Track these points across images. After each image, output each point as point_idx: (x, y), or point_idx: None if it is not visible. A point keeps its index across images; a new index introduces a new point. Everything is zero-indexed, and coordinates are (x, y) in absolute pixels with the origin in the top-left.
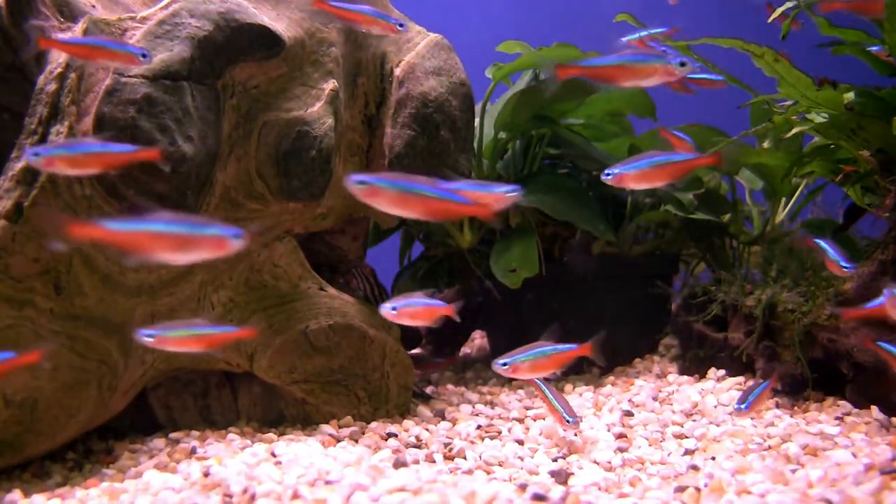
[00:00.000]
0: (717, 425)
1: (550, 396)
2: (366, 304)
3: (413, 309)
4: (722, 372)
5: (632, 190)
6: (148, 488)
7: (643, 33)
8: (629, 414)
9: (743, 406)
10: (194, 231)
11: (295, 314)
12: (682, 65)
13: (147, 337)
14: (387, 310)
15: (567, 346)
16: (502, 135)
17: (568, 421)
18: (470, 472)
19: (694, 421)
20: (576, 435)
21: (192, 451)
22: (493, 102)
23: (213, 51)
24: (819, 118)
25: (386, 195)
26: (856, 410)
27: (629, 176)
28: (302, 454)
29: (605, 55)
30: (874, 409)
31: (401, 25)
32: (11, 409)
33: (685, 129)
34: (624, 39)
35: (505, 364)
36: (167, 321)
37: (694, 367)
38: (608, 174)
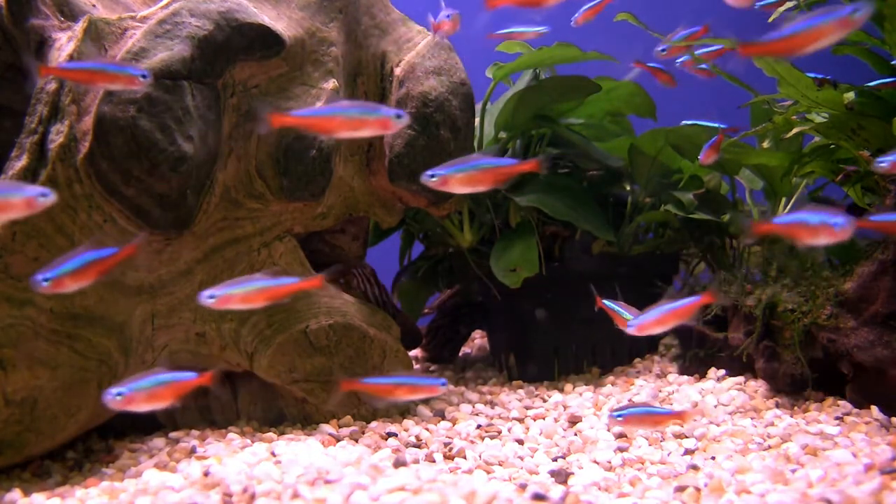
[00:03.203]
0: (717, 425)
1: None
2: (366, 303)
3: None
4: (722, 372)
5: (632, 189)
6: (148, 487)
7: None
8: None
9: (616, 415)
10: None
11: (295, 314)
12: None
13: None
14: None
15: (188, 374)
16: (502, 134)
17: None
18: (470, 471)
19: (694, 421)
20: (575, 435)
21: (192, 451)
22: (493, 102)
23: (214, 50)
24: (819, 118)
25: None
26: (856, 410)
27: (454, 179)
28: (302, 453)
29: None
30: (874, 409)
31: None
32: (11, 409)
33: (685, 129)
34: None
35: (119, 394)
36: (167, 318)
37: (694, 366)
38: (432, 175)
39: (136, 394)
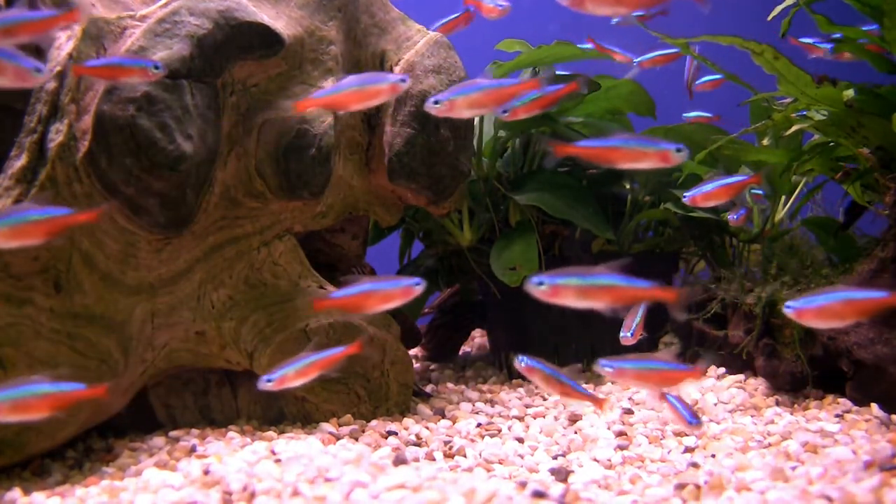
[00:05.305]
0: (717, 423)
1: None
2: None
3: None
4: (722, 370)
5: (631, 188)
6: (148, 486)
7: None
8: (629, 412)
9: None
10: None
11: (295, 312)
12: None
13: None
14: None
15: (72, 385)
16: (502, 133)
17: (690, 423)
18: (470, 469)
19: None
20: (575, 433)
21: (192, 450)
22: None
23: (213, 49)
24: (819, 115)
25: None
26: (856, 408)
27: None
28: (302, 452)
29: None
30: (874, 407)
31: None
32: None
33: (684, 128)
34: None
35: None
36: (167, 316)
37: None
38: None
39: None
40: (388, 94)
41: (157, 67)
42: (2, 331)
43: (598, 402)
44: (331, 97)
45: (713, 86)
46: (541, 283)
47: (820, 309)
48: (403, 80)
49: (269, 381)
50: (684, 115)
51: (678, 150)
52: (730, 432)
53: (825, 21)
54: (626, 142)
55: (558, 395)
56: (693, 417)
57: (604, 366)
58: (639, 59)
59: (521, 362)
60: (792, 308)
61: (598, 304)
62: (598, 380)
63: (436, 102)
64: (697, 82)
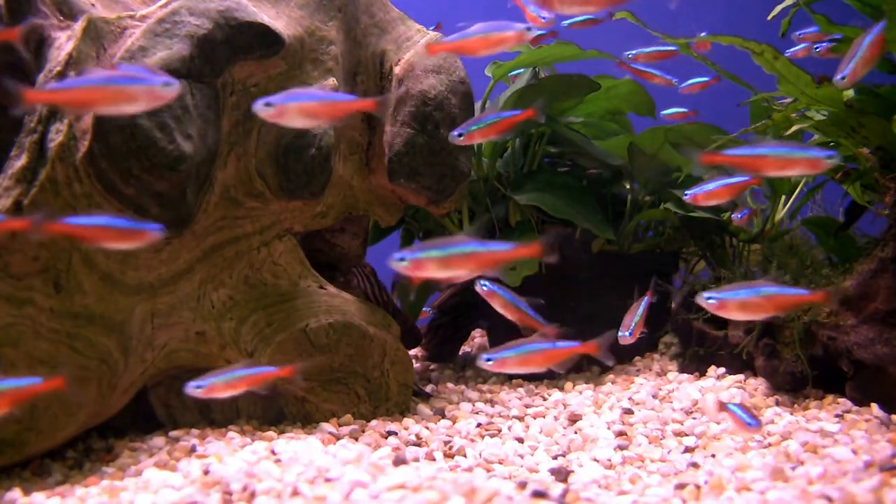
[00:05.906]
0: (718, 423)
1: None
2: (365, 302)
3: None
4: (722, 370)
5: (631, 188)
6: (148, 486)
7: None
8: (629, 412)
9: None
10: None
11: (295, 312)
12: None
13: None
14: None
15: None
16: None
17: (751, 425)
18: (470, 469)
19: (694, 419)
20: (575, 433)
21: (192, 450)
22: (492, 100)
23: (213, 49)
24: (819, 116)
25: None
26: (856, 408)
27: None
28: (302, 452)
29: None
30: (874, 407)
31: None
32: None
33: (684, 128)
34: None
35: None
36: (167, 316)
37: (694, 364)
38: None
39: None
40: (515, 41)
41: (167, 84)
42: (2, 331)
43: (551, 332)
44: (460, 42)
45: (701, 87)
46: (402, 259)
47: (742, 302)
48: (529, 29)
49: (197, 386)
50: (663, 112)
51: (829, 158)
52: (730, 432)
53: (825, 21)
54: (774, 149)
55: (516, 320)
56: (753, 420)
57: (485, 360)
58: (632, 53)
59: (483, 287)
60: (714, 299)
61: (463, 271)
62: (598, 379)
63: (266, 105)
64: (685, 84)
